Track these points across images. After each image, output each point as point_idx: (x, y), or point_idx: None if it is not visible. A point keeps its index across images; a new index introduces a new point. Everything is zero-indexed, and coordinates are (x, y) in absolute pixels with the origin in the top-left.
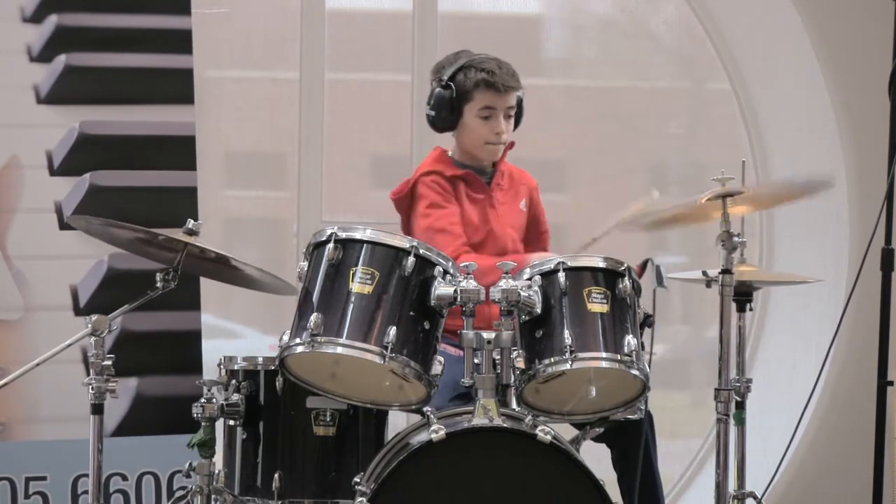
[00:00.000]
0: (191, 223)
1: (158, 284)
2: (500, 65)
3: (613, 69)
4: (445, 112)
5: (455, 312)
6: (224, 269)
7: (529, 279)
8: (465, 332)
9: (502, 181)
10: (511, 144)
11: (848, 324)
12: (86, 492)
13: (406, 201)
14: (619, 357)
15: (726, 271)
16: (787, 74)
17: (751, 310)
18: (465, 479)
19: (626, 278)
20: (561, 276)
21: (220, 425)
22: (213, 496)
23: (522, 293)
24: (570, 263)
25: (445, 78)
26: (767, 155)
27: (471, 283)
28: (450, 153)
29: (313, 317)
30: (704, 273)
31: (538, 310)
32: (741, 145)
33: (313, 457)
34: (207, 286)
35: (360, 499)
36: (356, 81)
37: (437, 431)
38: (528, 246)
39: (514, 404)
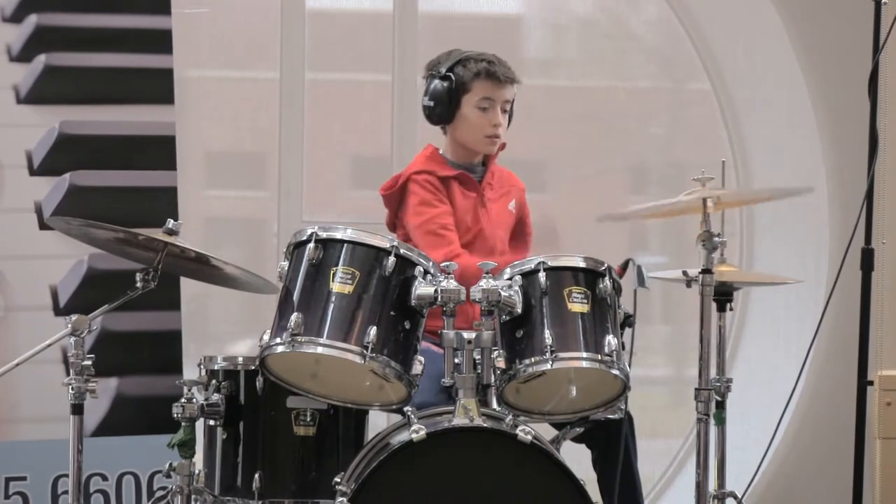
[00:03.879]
0: (171, 223)
1: (138, 284)
2: (498, 58)
3: (594, 69)
4: (443, 103)
5: (435, 314)
6: (204, 268)
7: (510, 279)
8: (445, 331)
9: (493, 180)
10: (503, 145)
11: (828, 323)
12: (66, 492)
13: (396, 197)
14: (599, 357)
15: (706, 271)
16: (768, 75)
17: (731, 309)
18: (445, 479)
19: (607, 278)
20: (541, 275)
21: (200, 425)
22: (193, 496)
23: (503, 293)
24: (551, 263)
25: (444, 70)
26: (747, 155)
27: (451, 283)
28: (441, 151)
29: (294, 316)
30: (685, 273)
31: (519, 309)
32: (721, 145)
33: (294, 457)
34: (187, 286)
35: (340, 499)
36: (336, 81)
37: (417, 431)
38: (511, 243)
39: (494, 404)
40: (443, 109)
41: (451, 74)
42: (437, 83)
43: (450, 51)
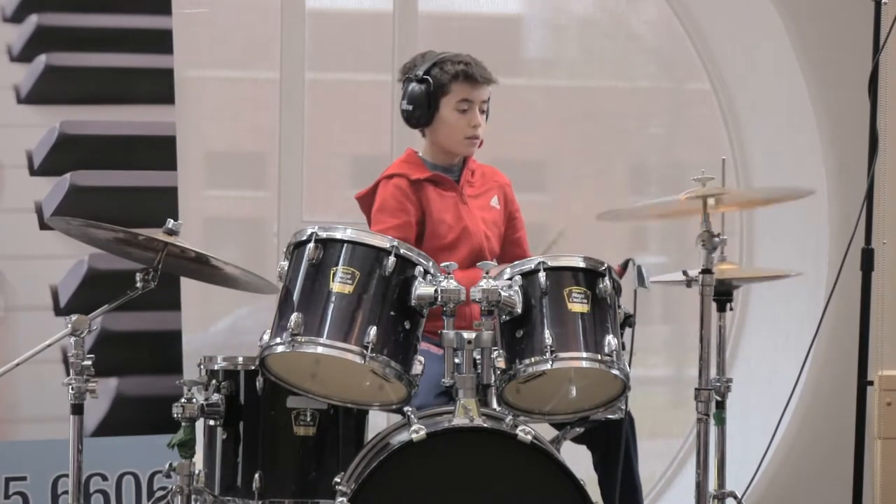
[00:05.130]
0: (171, 223)
1: (138, 284)
2: (474, 59)
3: (594, 69)
4: (422, 106)
5: (435, 314)
6: (204, 268)
7: (510, 279)
8: (445, 331)
9: (472, 178)
10: (480, 142)
11: (828, 323)
12: (66, 492)
13: (369, 201)
14: (599, 357)
15: (707, 271)
16: (768, 74)
17: (731, 309)
18: (445, 479)
19: (607, 278)
20: (541, 275)
21: (200, 425)
22: (193, 496)
23: (503, 293)
24: (551, 263)
25: (421, 73)
26: (747, 155)
27: (451, 283)
28: (420, 154)
29: (294, 316)
30: (685, 273)
31: (519, 309)
32: (721, 145)
33: (294, 457)
34: (187, 286)
35: (340, 499)
36: (336, 81)
37: (417, 431)
38: (505, 247)
39: (494, 404)
40: (422, 112)
41: (428, 77)
42: (414, 86)
43: (424, 53)
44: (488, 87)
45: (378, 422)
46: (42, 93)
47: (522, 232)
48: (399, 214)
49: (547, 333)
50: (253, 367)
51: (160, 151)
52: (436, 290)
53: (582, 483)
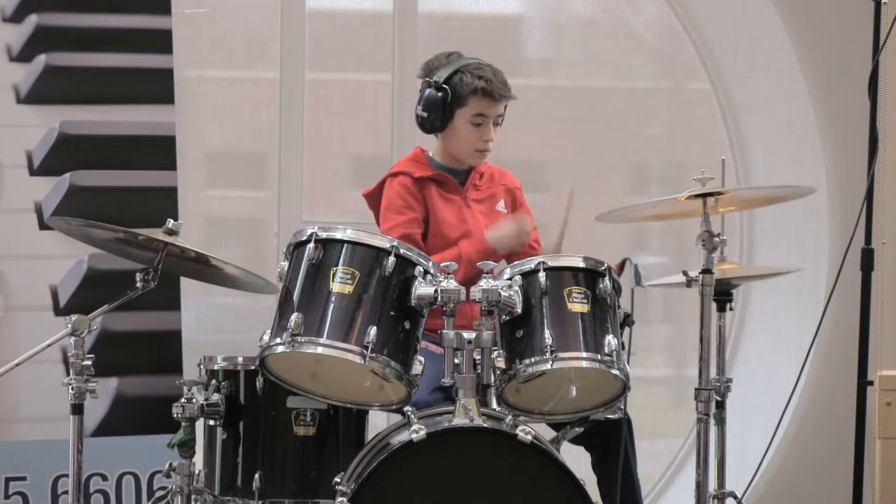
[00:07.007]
0: (171, 223)
1: (138, 284)
2: (495, 72)
3: (594, 69)
4: (437, 114)
5: (435, 313)
6: (204, 268)
7: (510, 279)
8: (445, 331)
9: (479, 181)
10: None
11: (828, 324)
12: (66, 492)
13: (376, 198)
14: (599, 357)
15: (707, 271)
16: (768, 74)
17: (731, 309)
18: (445, 479)
19: (607, 278)
20: (541, 275)
21: (200, 425)
22: (193, 496)
23: (503, 293)
24: (551, 263)
25: (441, 80)
26: (747, 155)
27: (451, 283)
28: (430, 153)
29: (294, 316)
30: (685, 273)
31: (519, 309)
32: (721, 145)
33: (294, 457)
34: (187, 286)
35: (340, 499)
36: (336, 81)
37: (417, 431)
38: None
39: (494, 404)
40: (436, 119)
41: (447, 86)
42: (431, 92)
43: (448, 54)
44: (505, 102)
45: (378, 422)
46: (42, 93)
47: (535, 234)
48: (406, 211)
49: (547, 333)
50: (253, 367)
51: (160, 151)
52: (436, 290)
53: (582, 483)
